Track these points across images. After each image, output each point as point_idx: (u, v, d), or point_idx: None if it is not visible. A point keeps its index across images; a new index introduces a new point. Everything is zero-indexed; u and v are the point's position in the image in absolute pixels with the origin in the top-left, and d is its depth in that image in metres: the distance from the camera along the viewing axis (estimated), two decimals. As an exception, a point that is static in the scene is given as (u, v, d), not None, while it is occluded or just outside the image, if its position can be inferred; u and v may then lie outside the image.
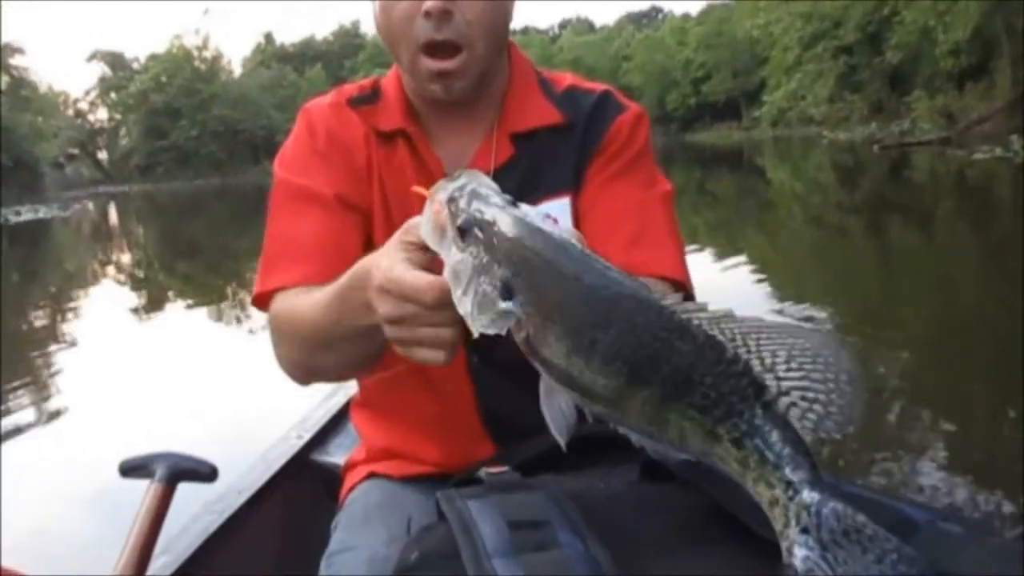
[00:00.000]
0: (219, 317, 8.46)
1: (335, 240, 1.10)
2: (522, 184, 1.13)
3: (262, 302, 1.10)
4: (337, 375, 1.08)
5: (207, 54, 77.55)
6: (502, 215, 0.67)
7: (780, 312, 5.92)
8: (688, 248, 1.24)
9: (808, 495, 0.55)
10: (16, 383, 6.06)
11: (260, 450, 1.92)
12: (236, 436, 3.33)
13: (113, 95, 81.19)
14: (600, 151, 1.15)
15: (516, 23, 1.18)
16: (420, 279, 0.74)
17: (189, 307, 9.39)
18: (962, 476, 3.20)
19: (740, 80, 63.51)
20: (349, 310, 0.87)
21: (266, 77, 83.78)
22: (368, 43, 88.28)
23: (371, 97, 1.19)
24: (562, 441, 0.68)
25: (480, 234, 0.67)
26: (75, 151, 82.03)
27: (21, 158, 54.16)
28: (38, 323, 9.40)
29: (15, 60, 61.83)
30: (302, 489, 1.81)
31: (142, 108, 74.70)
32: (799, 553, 0.54)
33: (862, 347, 5.17)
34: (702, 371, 0.58)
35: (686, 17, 78.04)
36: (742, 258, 8.46)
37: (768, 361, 0.58)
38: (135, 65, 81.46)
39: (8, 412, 5.26)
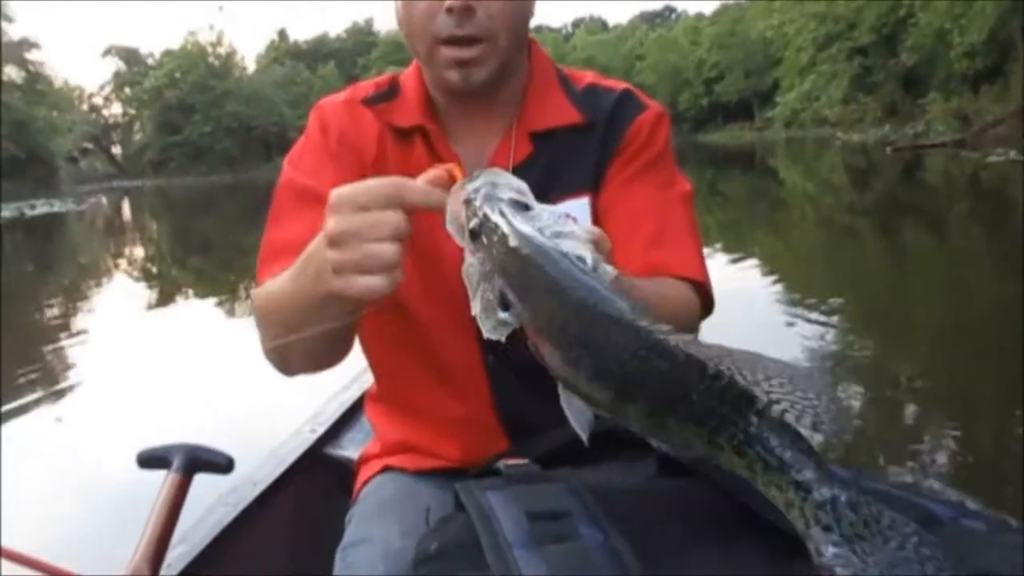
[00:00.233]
0: (231, 312, 8.48)
1: None
2: (541, 183, 1.12)
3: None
4: (303, 362, 1.03)
5: (221, 50, 77.90)
6: (505, 224, 0.67)
7: (794, 313, 5.91)
8: (701, 248, 1.23)
9: (820, 493, 0.55)
10: (33, 375, 6.11)
11: (273, 444, 1.94)
12: (249, 430, 3.35)
13: (127, 90, 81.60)
14: (620, 151, 1.15)
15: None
16: (372, 180, 0.74)
17: (201, 302, 9.43)
18: (977, 475, 3.20)
19: (753, 80, 63.33)
20: (306, 280, 0.85)
21: (279, 74, 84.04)
22: (381, 41, 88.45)
23: (388, 94, 1.18)
24: (584, 436, 0.68)
25: (485, 241, 0.68)
26: (89, 146, 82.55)
27: (36, 152, 54.48)
28: (53, 315, 9.46)
29: (31, 55, 62.14)
30: (315, 482, 1.81)
31: (156, 104, 75.08)
32: (829, 552, 0.54)
33: (875, 348, 5.16)
34: (687, 386, 0.59)
35: (699, 17, 77.93)
36: (754, 259, 8.45)
37: (749, 377, 0.59)
38: (150, 61, 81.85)
39: (27, 404, 5.30)
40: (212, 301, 9.19)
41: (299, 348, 0.97)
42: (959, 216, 11.62)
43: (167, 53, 78.69)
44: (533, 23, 1.15)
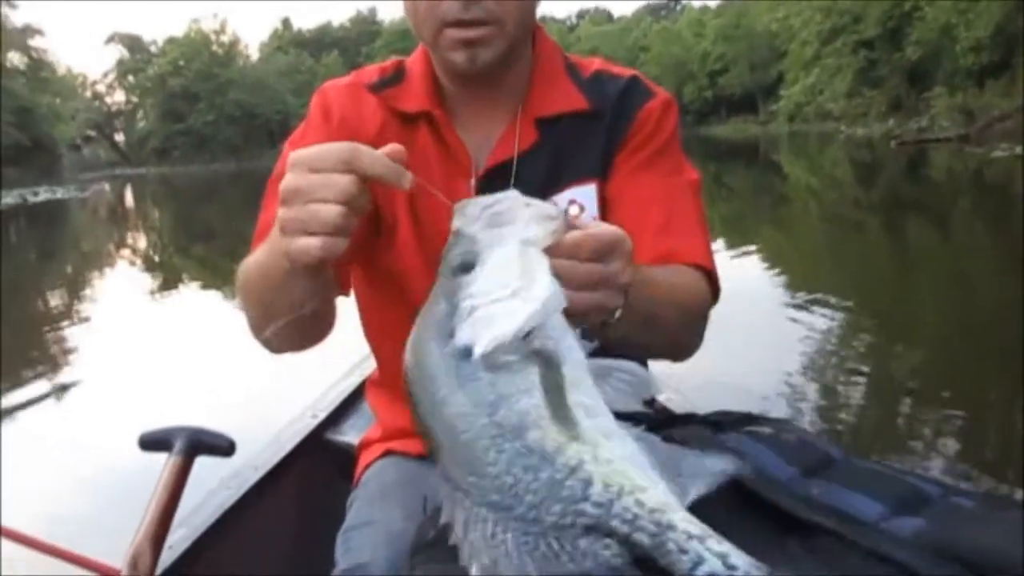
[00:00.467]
0: (234, 300, 8.50)
1: None
2: (547, 170, 1.12)
3: None
4: (280, 340, 1.01)
5: (225, 38, 77.81)
6: (448, 285, 0.67)
7: (797, 306, 5.91)
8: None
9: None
10: (36, 361, 6.13)
11: (275, 429, 1.95)
12: (251, 416, 3.36)
13: (131, 78, 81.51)
14: (628, 139, 1.14)
15: (534, 12, 1.15)
16: (330, 143, 0.74)
17: (204, 289, 9.44)
18: (978, 467, 3.22)
19: (757, 74, 63.12)
20: (273, 255, 0.85)
21: (283, 62, 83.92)
22: (385, 30, 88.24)
23: (393, 79, 1.18)
24: None
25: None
26: (92, 133, 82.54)
27: (39, 139, 54.49)
28: (56, 302, 9.48)
29: (34, 41, 62.09)
30: (316, 467, 1.82)
31: (160, 91, 75.06)
32: None
33: (877, 342, 5.17)
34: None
35: (704, 9, 77.71)
36: (757, 252, 8.44)
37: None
38: (153, 48, 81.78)
39: (30, 389, 5.33)
40: (215, 288, 9.19)
41: (276, 326, 0.96)
42: (962, 211, 11.60)
43: (170, 41, 78.62)
44: (538, 13, 1.15)
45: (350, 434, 1.87)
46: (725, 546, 0.57)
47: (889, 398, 4.13)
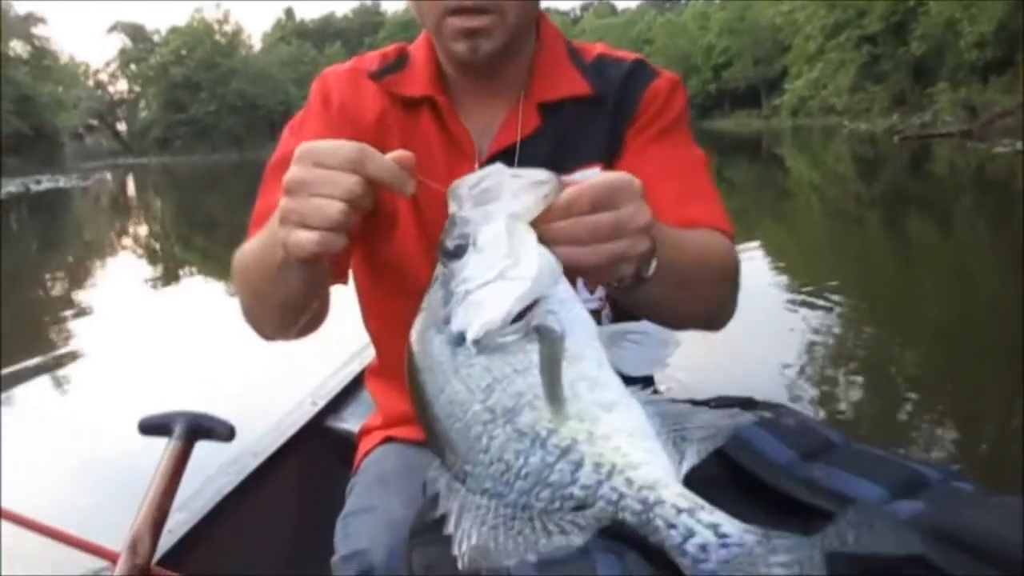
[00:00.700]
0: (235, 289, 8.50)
1: None
2: (550, 155, 1.11)
3: None
4: (274, 328, 1.03)
5: (227, 28, 77.76)
6: (444, 272, 0.67)
7: (798, 300, 5.91)
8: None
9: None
10: (37, 348, 6.13)
11: (275, 417, 1.95)
12: (250, 405, 3.37)
13: (133, 67, 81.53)
14: (635, 119, 1.14)
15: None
16: (340, 140, 0.73)
17: (205, 278, 9.45)
18: (979, 462, 3.22)
19: (761, 67, 63.06)
20: (270, 244, 0.85)
21: (285, 53, 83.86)
22: (388, 21, 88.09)
23: (395, 65, 1.17)
24: None
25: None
26: (94, 122, 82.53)
27: (42, 128, 54.47)
28: (57, 290, 9.49)
29: (37, 29, 62.03)
30: (316, 454, 1.83)
31: (162, 81, 75.03)
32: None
33: (877, 336, 5.17)
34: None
35: (709, 2, 77.40)
36: (759, 247, 8.43)
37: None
38: (155, 37, 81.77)
39: (31, 375, 5.34)
40: (216, 278, 9.19)
41: (268, 313, 0.99)
42: (964, 207, 11.59)
43: (173, 30, 78.61)
44: (541, 5, 1.14)
45: (350, 421, 1.88)
46: (717, 516, 0.57)
47: (889, 392, 4.13)
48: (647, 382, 0.65)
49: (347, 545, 1.12)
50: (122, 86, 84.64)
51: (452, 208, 0.68)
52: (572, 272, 0.69)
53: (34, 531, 1.31)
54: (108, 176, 44.60)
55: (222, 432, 1.40)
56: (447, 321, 0.64)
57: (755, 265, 7.18)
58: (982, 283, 6.55)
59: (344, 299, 1.13)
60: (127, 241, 15.40)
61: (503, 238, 0.65)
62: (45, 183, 34.34)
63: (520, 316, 0.63)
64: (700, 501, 0.58)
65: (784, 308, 5.69)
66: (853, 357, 4.72)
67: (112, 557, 1.26)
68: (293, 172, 0.74)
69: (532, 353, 0.62)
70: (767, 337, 4.82)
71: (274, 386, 3.52)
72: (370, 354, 1.36)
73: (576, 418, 0.61)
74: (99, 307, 7.94)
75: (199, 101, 73.03)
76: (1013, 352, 4.11)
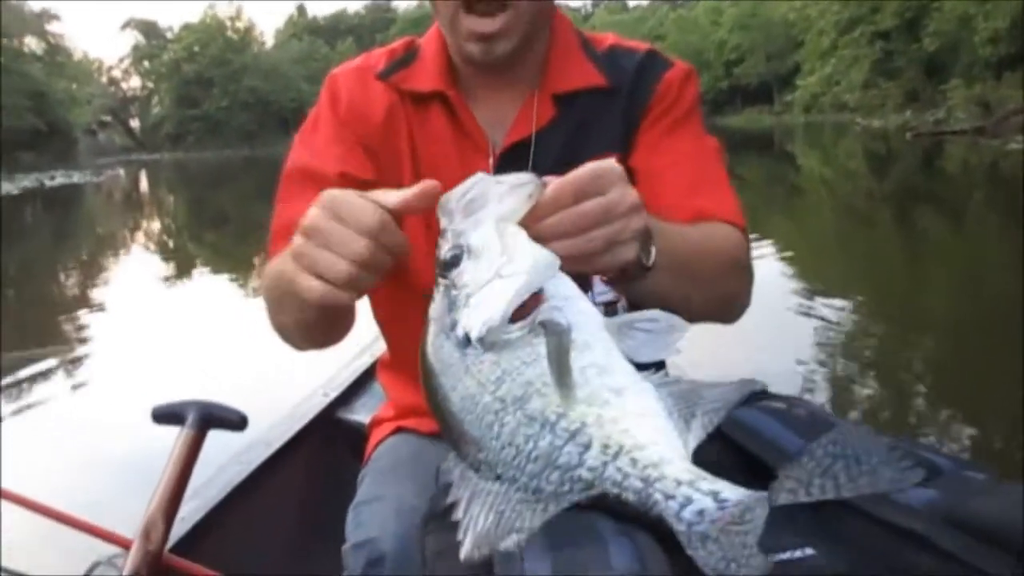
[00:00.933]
0: (246, 284, 8.53)
1: None
2: (566, 146, 1.12)
3: None
4: (300, 338, 1.05)
5: (240, 24, 77.88)
6: (443, 282, 0.68)
7: (808, 297, 5.89)
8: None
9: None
10: (51, 339, 6.18)
11: (287, 408, 1.96)
12: (262, 398, 3.38)
13: (146, 63, 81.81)
14: (649, 109, 1.14)
15: (548, 0, 1.11)
16: (364, 202, 0.72)
17: (217, 274, 9.48)
18: (988, 455, 3.21)
19: (773, 63, 62.74)
20: (289, 270, 0.83)
21: (297, 49, 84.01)
22: (400, 17, 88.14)
23: (404, 60, 1.17)
24: None
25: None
26: (108, 118, 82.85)
27: (56, 124, 54.74)
28: (70, 283, 9.54)
29: (51, 26, 62.34)
30: (327, 444, 1.84)
31: (174, 77, 75.25)
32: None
33: (888, 333, 5.15)
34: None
35: (721, -2, 77.10)
36: (770, 243, 8.41)
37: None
38: (168, 34, 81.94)
39: (46, 365, 5.38)
40: (227, 272, 9.23)
41: (293, 330, 1.01)
42: (976, 204, 11.53)
43: (186, 27, 78.79)
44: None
45: (361, 413, 1.88)
46: (718, 484, 0.58)
47: (902, 386, 4.12)
48: (659, 367, 0.66)
49: (358, 533, 1.12)
50: (135, 83, 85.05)
51: (443, 223, 0.69)
52: (573, 266, 0.69)
53: (50, 518, 1.32)
54: (121, 172, 44.78)
55: (234, 421, 1.41)
56: (453, 327, 0.66)
57: (766, 261, 7.17)
58: (994, 279, 6.52)
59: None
60: (139, 236, 15.48)
61: (495, 240, 0.66)
62: (59, 179, 34.52)
63: (525, 314, 0.64)
64: (703, 473, 0.59)
65: (796, 303, 5.68)
66: (866, 352, 4.71)
67: (126, 544, 1.27)
68: (313, 216, 0.73)
69: (540, 347, 0.63)
70: (780, 332, 4.82)
71: (286, 378, 3.53)
72: (381, 346, 1.36)
73: (586, 402, 0.62)
74: (112, 300, 8.00)
75: (211, 97, 73.22)
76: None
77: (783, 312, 5.42)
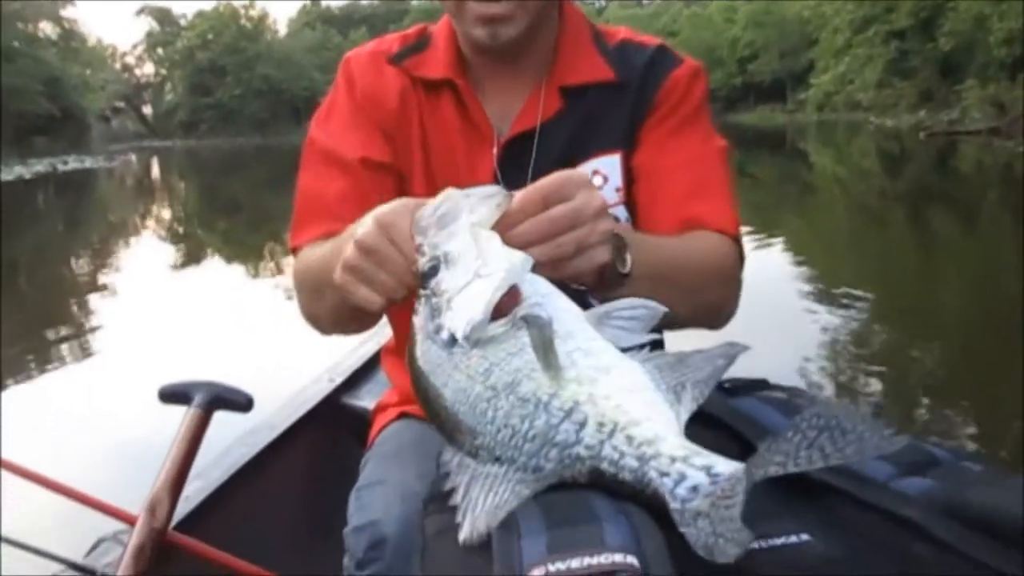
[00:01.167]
0: (256, 273, 8.56)
1: (361, 202, 1.05)
2: (571, 139, 1.12)
3: (295, 255, 1.14)
4: (331, 326, 1.09)
5: (253, 13, 77.92)
6: (425, 293, 0.71)
7: (819, 296, 5.88)
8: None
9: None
10: (62, 322, 6.22)
11: (292, 392, 1.97)
12: (269, 380, 3.40)
13: (160, 51, 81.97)
14: (655, 107, 1.14)
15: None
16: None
17: (227, 260, 9.51)
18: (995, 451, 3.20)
19: (787, 61, 62.41)
20: (332, 265, 0.87)
21: (310, 38, 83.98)
22: (413, 8, 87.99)
23: (416, 47, 1.18)
24: None
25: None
26: (121, 105, 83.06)
27: (69, 109, 54.90)
28: (82, 266, 9.59)
29: (65, 11, 62.48)
30: (332, 429, 1.85)
31: (188, 64, 75.38)
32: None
33: (899, 333, 5.14)
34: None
35: (736, -5, 76.71)
36: (781, 242, 8.39)
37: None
38: (182, 21, 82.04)
39: (57, 346, 5.42)
40: (237, 258, 9.26)
41: (327, 315, 1.05)
42: (990, 204, 11.47)
43: (199, 14, 78.94)
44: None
45: (366, 399, 1.89)
46: (711, 459, 0.60)
47: (910, 386, 4.12)
48: (654, 347, 0.67)
49: (360, 516, 1.13)
50: (148, 69, 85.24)
51: (418, 240, 0.73)
52: (547, 272, 0.72)
53: (59, 493, 1.34)
54: (133, 158, 44.93)
55: (240, 402, 1.42)
56: (438, 331, 0.69)
57: (779, 258, 7.15)
58: (1006, 280, 6.49)
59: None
60: (150, 222, 15.53)
61: (469, 245, 0.70)
62: (72, 164, 34.64)
63: (505, 312, 0.67)
64: (697, 448, 0.61)
65: (806, 301, 5.68)
66: (874, 351, 4.70)
67: (131, 520, 1.29)
68: (369, 235, 0.78)
69: (524, 338, 0.65)
70: (788, 331, 4.81)
71: (292, 362, 3.56)
72: (387, 334, 1.37)
73: (576, 381, 0.64)
74: (122, 283, 8.03)
75: (224, 85, 73.30)
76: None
77: (792, 307, 5.41)
